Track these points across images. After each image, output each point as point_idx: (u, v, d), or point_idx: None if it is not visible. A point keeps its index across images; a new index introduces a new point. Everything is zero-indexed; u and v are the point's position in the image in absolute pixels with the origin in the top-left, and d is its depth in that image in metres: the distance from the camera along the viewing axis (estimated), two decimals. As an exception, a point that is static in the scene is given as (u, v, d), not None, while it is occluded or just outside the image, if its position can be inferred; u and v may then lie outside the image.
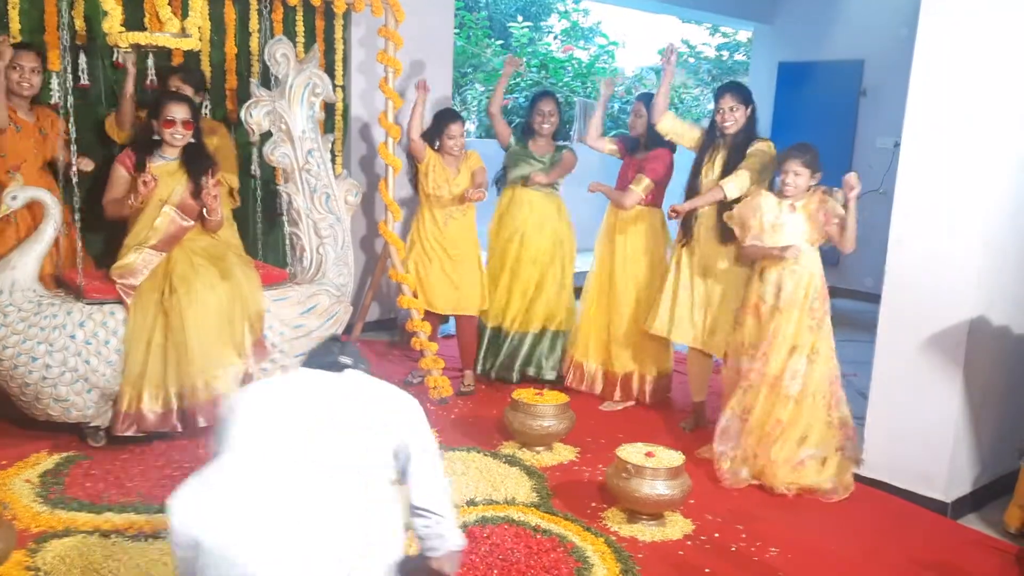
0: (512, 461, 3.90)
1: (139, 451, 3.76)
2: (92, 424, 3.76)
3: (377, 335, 5.71)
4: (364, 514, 1.97)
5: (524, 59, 10.16)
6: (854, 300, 7.06)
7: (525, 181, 4.80)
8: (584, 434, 4.21)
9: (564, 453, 4.05)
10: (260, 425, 2.00)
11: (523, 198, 4.85)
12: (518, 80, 10.11)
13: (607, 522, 3.37)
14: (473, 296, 4.83)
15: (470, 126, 10.23)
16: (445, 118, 4.73)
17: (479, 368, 5.01)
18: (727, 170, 4.10)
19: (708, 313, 4.28)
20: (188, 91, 4.19)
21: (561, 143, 5.01)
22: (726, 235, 4.09)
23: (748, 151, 4.08)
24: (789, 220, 3.76)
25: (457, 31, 6.56)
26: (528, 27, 11.18)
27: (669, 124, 4.35)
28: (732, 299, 4.16)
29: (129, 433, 3.70)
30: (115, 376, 3.67)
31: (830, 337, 3.77)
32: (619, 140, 4.81)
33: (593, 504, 3.54)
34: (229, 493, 1.90)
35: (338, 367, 2.13)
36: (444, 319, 5.04)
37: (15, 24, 4.03)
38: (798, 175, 3.71)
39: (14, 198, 3.56)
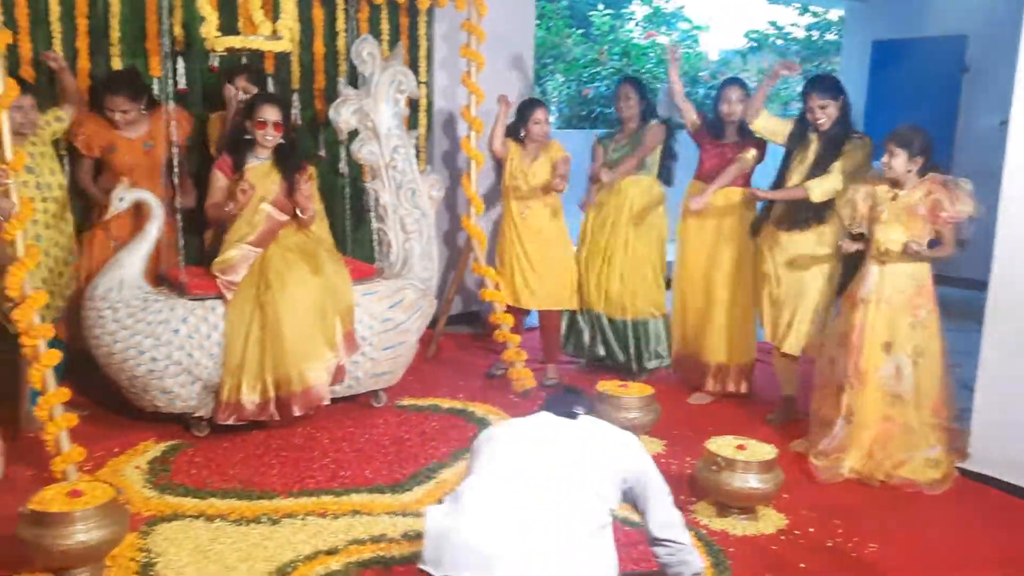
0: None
1: (239, 439, 3.91)
2: (196, 415, 3.93)
3: (460, 329, 5.77)
4: (586, 532, 2.24)
5: (605, 47, 10.10)
6: (958, 288, 6.77)
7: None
8: (671, 427, 4.17)
9: (650, 446, 4.02)
10: (505, 454, 2.38)
11: (615, 185, 4.82)
12: (599, 69, 10.04)
13: (696, 515, 3.34)
14: (557, 291, 4.83)
15: (551, 117, 10.21)
16: (530, 105, 4.76)
17: (583, 358, 5.01)
18: (818, 166, 3.99)
19: (784, 308, 4.18)
20: (254, 91, 4.31)
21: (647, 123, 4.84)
22: (799, 221, 4.00)
23: (843, 149, 3.97)
24: (888, 209, 3.64)
25: (537, 22, 6.55)
26: (609, 14, 11.07)
27: (763, 123, 4.24)
28: (811, 293, 4.07)
29: (230, 422, 3.85)
30: (216, 368, 3.83)
31: (939, 338, 3.64)
32: (702, 115, 4.70)
33: (681, 497, 3.49)
34: (473, 505, 2.27)
35: (573, 415, 2.50)
36: (527, 312, 5.07)
37: (115, 32, 4.22)
38: (893, 155, 3.59)
39: (121, 199, 3.75)
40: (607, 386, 4.03)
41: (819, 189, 3.92)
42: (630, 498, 2.43)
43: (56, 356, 3.42)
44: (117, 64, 4.28)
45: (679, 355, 4.79)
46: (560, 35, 10.08)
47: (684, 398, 4.65)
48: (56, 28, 4.06)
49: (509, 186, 4.77)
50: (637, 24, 11.31)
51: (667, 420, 4.12)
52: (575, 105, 10.33)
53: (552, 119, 9.71)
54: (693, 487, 3.53)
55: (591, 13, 11.10)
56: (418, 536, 3.09)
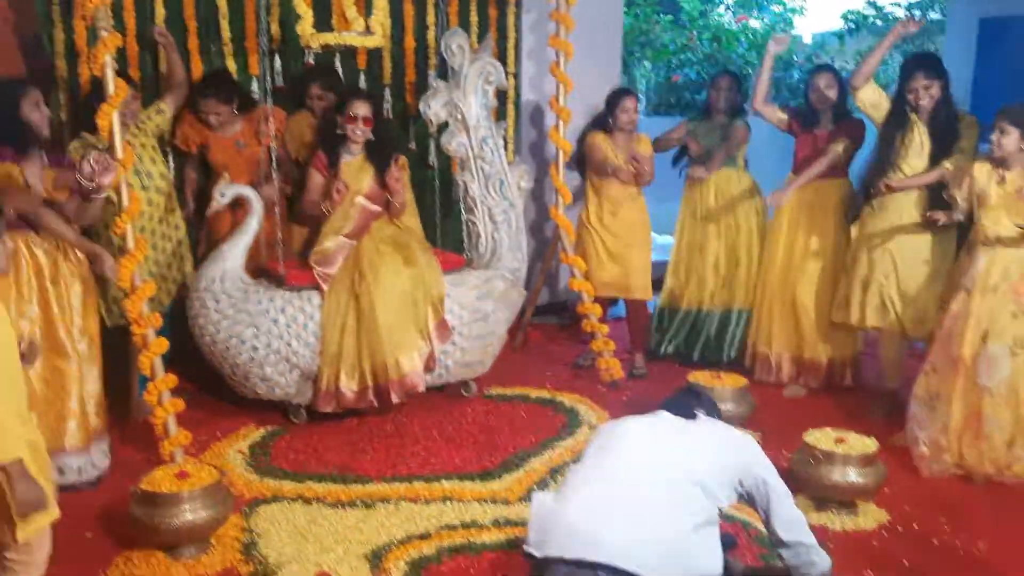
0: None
1: (334, 426, 4.02)
2: (294, 402, 4.05)
3: (548, 319, 5.77)
4: (691, 525, 2.25)
5: (695, 32, 9.89)
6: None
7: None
8: (765, 420, 4.07)
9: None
10: (619, 446, 2.42)
11: (706, 179, 4.77)
12: (688, 54, 9.85)
13: (792, 510, 3.26)
14: (642, 280, 4.80)
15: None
16: (619, 94, 4.75)
17: (662, 350, 4.99)
18: (937, 151, 3.85)
19: (907, 296, 4.03)
20: (330, 98, 4.37)
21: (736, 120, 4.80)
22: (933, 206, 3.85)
23: (962, 135, 3.82)
24: (995, 193, 3.46)
25: (625, 9, 6.47)
26: (699, -1, 10.85)
27: (868, 94, 4.09)
28: (935, 278, 3.92)
29: (329, 410, 3.97)
30: (314, 357, 3.94)
31: None
32: (791, 111, 4.59)
33: (776, 490, 3.42)
34: (581, 490, 2.33)
35: (692, 415, 2.53)
36: (614, 301, 5.04)
37: (226, 33, 4.38)
38: (1004, 134, 3.41)
39: (222, 195, 3.89)
40: (700, 377, 3.98)
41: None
42: (748, 500, 2.43)
43: (164, 344, 3.59)
44: (224, 64, 4.44)
45: (768, 352, 4.67)
46: (648, 21, 9.91)
47: (775, 391, 4.54)
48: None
49: (597, 177, 4.76)
50: (728, 8, 11.03)
51: (762, 413, 4.04)
52: (663, 92, 10.16)
53: (640, 107, 9.53)
54: (789, 481, 3.43)
55: (681, -2, 10.86)
56: (508, 523, 3.14)
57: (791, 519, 2.42)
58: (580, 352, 5.05)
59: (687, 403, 2.60)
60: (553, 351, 5.26)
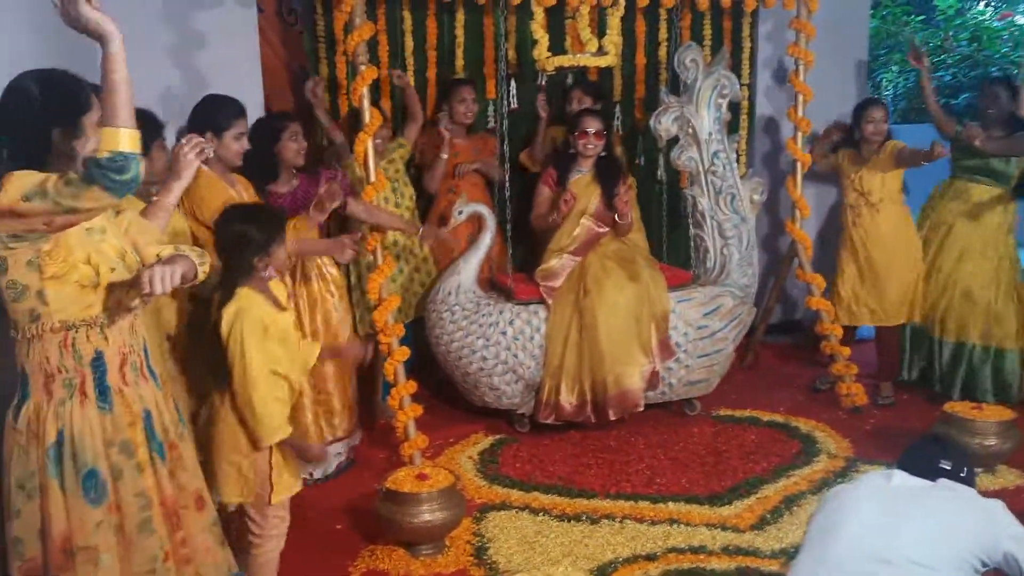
0: (942, 482, 3.52)
1: (558, 438, 4.09)
2: (519, 411, 4.17)
3: (780, 338, 5.52)
4: None
5: (951, 32, 9.09)
6: None
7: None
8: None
9: (1009, 477, 3.54)
10: (845, 529, 2.10)
11: (958, 187, 4.36)
12: (943, 56, 9.07)
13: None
14: (896, 304, 4.45)
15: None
16: (865, 104, 4.47)
17: (904, 375, 4.62)
18: None
19: None
20: (588, 102, 4.46)
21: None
22: None
23: None
24: None
25: (872, 11, 6.08)
26: (956, -4, 9.95)
27: None
28: None
29: (548, 421, 4.05)
30: (537, 369, 4.04)
31: None
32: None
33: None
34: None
35: (935, 473, 2.19)
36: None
37: (459, 61, 4.63)
38: None
39: (460, 213, 4.10)
40: (958, 407, 3.64)
41: None
42: (993, 565, 2.10)
43: (406, 352, 3.84)
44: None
45: None
46: (897, 23, 9.24)
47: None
48: (410, 60, 4.56)
49: (844, 193, 4.52)
50: (989, 4, 10.02)
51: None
52: (913, 98, 9.42)
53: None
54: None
55: (934, -4, 10.03)
56: (738, 551, 3.03)
57: None
58: (817, 374, 4.78)
59: (929, 458, 2.23)
60: (787, 372, 5.02)
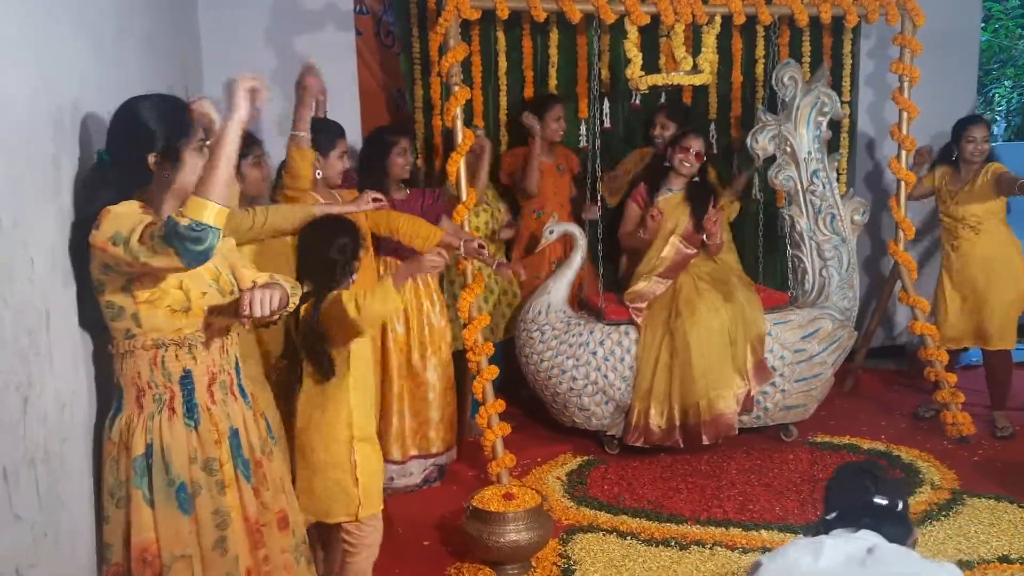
0: (1060, 521, 3.33)
1: (648, 461, 4.03)
2: (608, 433, 4.13)
3: (882, 363, 5.31)
4: None
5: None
6: None
7: None
8: None
9: None
10: None
11: None
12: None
13: None
14: (1001, 328, 4.22)
15: (995, 128, 8.97)
16: (965, 122, 4.30)
17: None
18: None
19: None
20: (671, 127, 4.40)
21: None
22: None
23: None
24: None
25: (983, 24, 5.82)
26: (1074, 6, 9.42)
27: None
28: None
29: (637, 444, 4.00)
30: (627, 390, 4.00)
31: None
32: None
33: None
34: None
35: (868, 513, 1.83)
36: (966, 348, 4.49)
37: (553, 80, 4.65)
38: None
39: (551, 232, 4.11)
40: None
41: None
42: None
43: (495, 371, 3.86)
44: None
45: None
46: (1011, 36, 8.81)
47: None
48: (503, 81, 4.60)
49: (941, 211, 4.35)
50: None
51: None
52: (1029, 113, 8.97)
53: (998, 131, 8.53)
54: None
55: (1052, 6, 9.52)
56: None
57: None
58: (920, 401, 4.57)
59: (861, 493, 1.86)
60: (889, 399, 4.83)
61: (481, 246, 3.60)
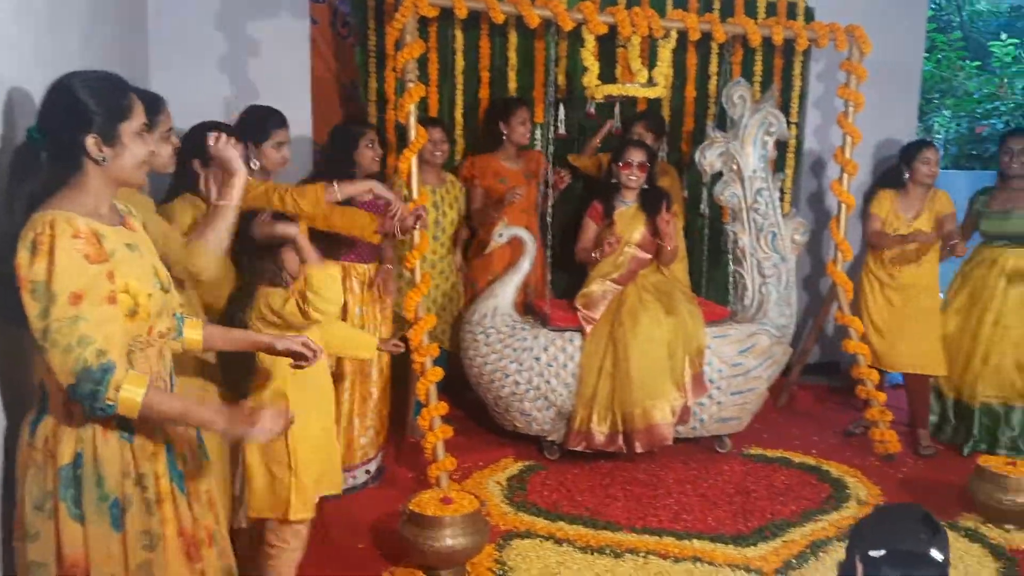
0: (973, 537, 3.46)
1: (587, 467, 4.05)
2: (549, 438, 4.15)
3: (817, 379, 5.44)
4: None
5: (1006, 79, 8.98)
6: None
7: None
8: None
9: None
10: None
11: (987, 255, 4.32)
12: (997, 104, 8.95)
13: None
14: (928, 355, 4.37)
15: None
16: (919, 145, 4.44)
17: (942, 436, 4.52)
18: None
19: None
20: (649, 137, 4.45)
21: None
22: None
23: None
24: None
25: (926, 55, 6.01)
26: (1014, 44, 9.79)
27: None
28: None
29: (579, 449, 4.02)
30: (570, 396, 4.02)
31: None
32: None
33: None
34: None
35: (921, 564, 1.67)
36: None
37: (512, 83, 4.65)
38: None
39: (500, 236, 4.11)
40: (991, 461, 3.57)
41: None
42: None
43: (439, 373, 3.84)
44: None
45: None
46: (952, 67, 9.15)
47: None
48: (460, 80, 4.58)
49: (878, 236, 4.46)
50: (1050, 52, 9.88)
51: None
52: (964, 143, 9.31)
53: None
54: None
55: (992, 43, 9.89)
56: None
57: None
58: (852, 418, 4.70)
59: (916, 542, 1.69)
60: (821, 415, 4.95)
61: (418, 217, 3.57)
